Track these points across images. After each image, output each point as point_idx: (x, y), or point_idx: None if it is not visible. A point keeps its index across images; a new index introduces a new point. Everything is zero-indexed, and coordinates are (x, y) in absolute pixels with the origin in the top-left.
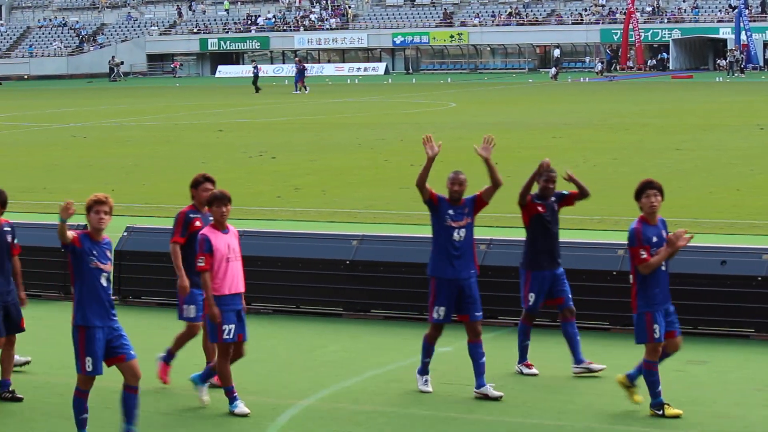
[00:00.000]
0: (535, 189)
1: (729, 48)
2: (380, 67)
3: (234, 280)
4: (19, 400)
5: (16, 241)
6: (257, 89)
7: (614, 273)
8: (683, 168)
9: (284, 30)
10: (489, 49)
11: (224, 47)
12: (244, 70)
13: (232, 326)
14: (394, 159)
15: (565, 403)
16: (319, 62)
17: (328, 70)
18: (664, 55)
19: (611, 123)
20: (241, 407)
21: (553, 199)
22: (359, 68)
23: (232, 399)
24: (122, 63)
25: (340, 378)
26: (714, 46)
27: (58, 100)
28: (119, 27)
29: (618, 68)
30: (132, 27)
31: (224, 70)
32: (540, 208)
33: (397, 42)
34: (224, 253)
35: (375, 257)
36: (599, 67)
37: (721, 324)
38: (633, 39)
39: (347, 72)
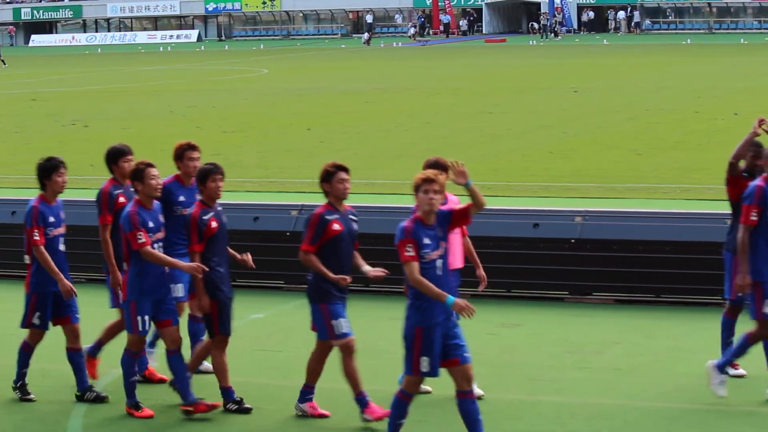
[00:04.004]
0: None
1: (542, 11)
2: (193, 35)
3: (457, 255)
4: (247, 411)
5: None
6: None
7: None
8: (496, 131)
9: None
10: (302, 14)
11: (37, 16)
12: (59, 39)
13: None
14: (206, 126)
15: None
16: (132, 30)
17: (140, 38)
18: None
19: (424, 87)
20: None
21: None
22: (172, 35)
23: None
24: None
25: None
26: (527, 9)
27: None
28: None
29: (431, 33)
30: None
31: (38, 40)
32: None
33: (210, 9)
34: None
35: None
36: (412, 31)
37: (534, 287)
38: (443, 4)
39: (160, 40)
